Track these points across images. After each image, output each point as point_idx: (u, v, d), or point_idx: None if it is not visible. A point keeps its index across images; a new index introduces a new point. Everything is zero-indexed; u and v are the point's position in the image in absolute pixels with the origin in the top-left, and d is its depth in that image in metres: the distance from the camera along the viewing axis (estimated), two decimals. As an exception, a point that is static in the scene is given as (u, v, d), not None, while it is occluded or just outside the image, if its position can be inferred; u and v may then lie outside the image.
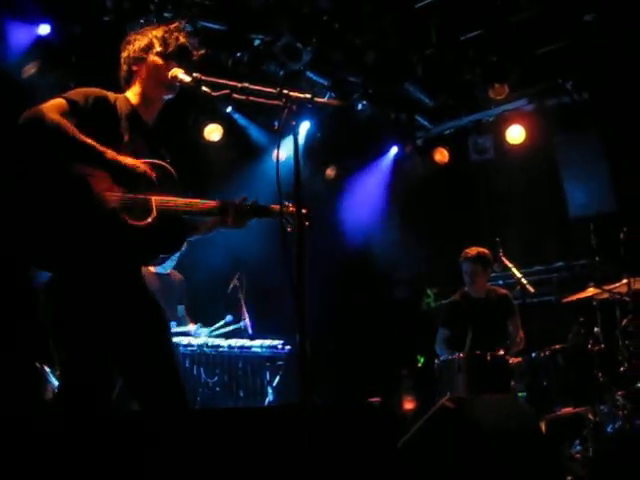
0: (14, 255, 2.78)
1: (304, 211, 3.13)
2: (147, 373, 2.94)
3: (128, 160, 2.93)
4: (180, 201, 3.08)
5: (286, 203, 3.13)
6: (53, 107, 2.84)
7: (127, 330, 2.94)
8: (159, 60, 3.14)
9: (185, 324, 5.97)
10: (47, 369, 5.06)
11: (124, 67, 3.21)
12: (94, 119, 2.92)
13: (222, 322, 5.76)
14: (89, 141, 2.84)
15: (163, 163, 3.10)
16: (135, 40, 3.19)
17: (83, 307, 2.83)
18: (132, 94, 3.19)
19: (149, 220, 2.95)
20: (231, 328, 5.70)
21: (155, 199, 2.99)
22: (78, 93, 2.96)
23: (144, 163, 3.00)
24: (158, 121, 3.28)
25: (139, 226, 2.92)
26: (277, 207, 3.15)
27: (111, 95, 3.09)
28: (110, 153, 2.88)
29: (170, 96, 3.22)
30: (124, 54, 3.21)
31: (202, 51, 3.28)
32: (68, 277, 2.83)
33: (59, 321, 2.85)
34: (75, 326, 2.82)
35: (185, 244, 5.58)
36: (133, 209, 2.92)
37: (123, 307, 2.94)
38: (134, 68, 3.18)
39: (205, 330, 5.77)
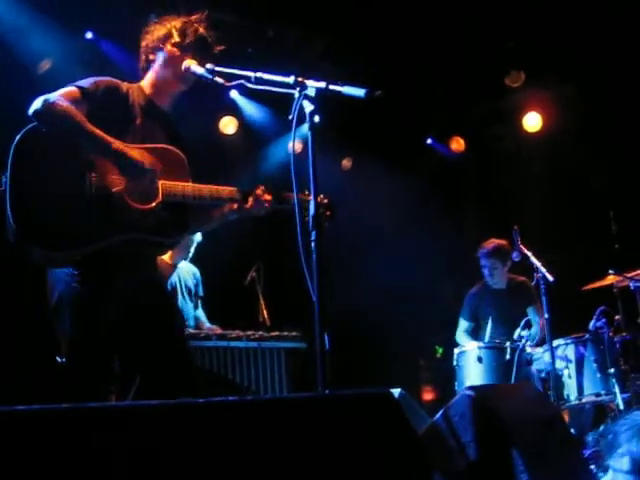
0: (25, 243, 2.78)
1: (325, 201, 3.11)
2: (154, 358, 2.94)
3: (135, 153, 2.91)
4: (188, 186, 3.06)
5: (305, 192, 3.10)
6: (63, 95, 2.86)
7: (131, 317, 2.92)
8: (176, 51, 3.12)
9: (202, 319, 5.96)
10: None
11: (142, 56, 3.21)
12: (104, 105, 2.93)
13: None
14: (97, 131, 2.85)
15: (173, 148, 3.09)
16: (154, 29, 3.18)
17: (85, 290, 2.83)
18: (146, 84, 3.18)
19: (153, 204, 2.95)
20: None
21: (163, 184, 2.99)
22: (88, 81, 2.98)
23: (151, 153, 2.97)
24: (175, 110, 3.27)
25: (143, 209, 2.91)
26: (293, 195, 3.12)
27: (124, 84, 3.09)
28: (116, 144, 2.87)
29: (184, 88, 3.21)
30: (143, 43, 3.20)
31: (222, 46, 3.25)
32: (71, 260, 2.83)
33: (62, 305, 2.86)
34: (77, 310, 2.83)
35: (198, 234, 5.63)
36: (139, 192, 2.91)
37: (128, 291, 2.92)
38: (151, 57, 3.16)
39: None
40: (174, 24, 3.16)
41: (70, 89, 2.90)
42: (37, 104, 2.83)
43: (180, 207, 3.05)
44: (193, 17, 3.21)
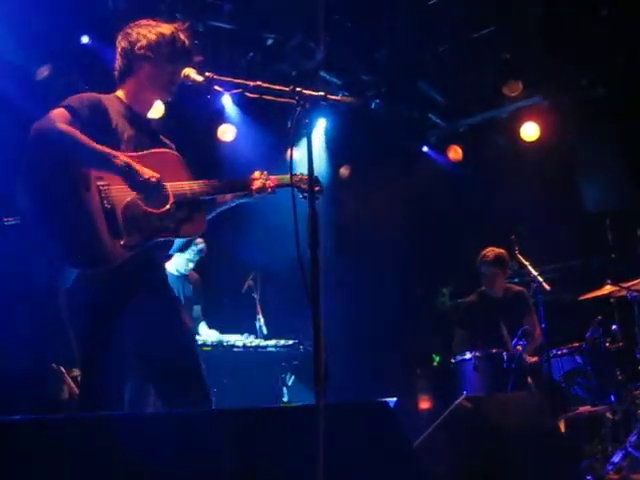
0: (34, 256, 2.79)
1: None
2: (170, 367, 2.96)
3: (144, 170, 2.91)
4: (194, 184, 3.09)
5: (297, 173, 3.23)
6: (56, 117, 2.84)
7: (148, 326, 2.93)
8: (164, 61, 3.10)
9: (199, 324, 5.97)
10: (63, 370, 5.08)
11: (123, 60, 3.13)
12: (92, 122, 2.91)
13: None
14: (99, 147, 2.84)
15: (163, 149, 3.11)
16: (138, 34, 3.11)
17: (103, 305, 2.84)
18: (124, 92, 3.14)
19: (167, 206, 2.97)
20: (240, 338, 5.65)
21: (170, 185, 3.00)
22: (73, 100, 2.94)
23: (147, 161, 2.97)
24: (174, 118, 3.28)
25: (159, 213, 2.94)
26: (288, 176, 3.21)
27: (103, 97, 3.05)
28: (122, 159, 2.87)
29: (167, 99, 3.22)
30: (124, 46, 3.13)
31: (201, 57, 3.27)
32: (89, 274, 2.84)
33: (80, 320, 2.87)
34: (96, 325, 2.84)
35: (203, 248, 5.67)
36: (150, 198, 2.93)
37: (144, 303, 2.93)
38: (135, 65, 3.11)
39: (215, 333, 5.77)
40: (160, 31, 3.13)
41: (60, 111, 2.87)
42: (38, 129, 2.81)
43: (190, 203, 3.08)
44: (177, 25, 3.19)
